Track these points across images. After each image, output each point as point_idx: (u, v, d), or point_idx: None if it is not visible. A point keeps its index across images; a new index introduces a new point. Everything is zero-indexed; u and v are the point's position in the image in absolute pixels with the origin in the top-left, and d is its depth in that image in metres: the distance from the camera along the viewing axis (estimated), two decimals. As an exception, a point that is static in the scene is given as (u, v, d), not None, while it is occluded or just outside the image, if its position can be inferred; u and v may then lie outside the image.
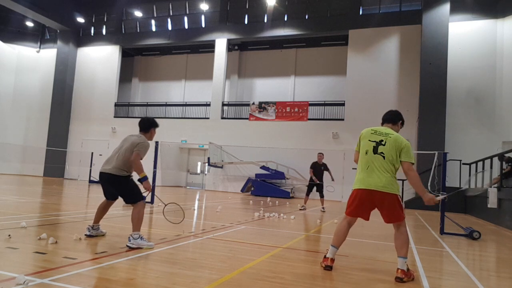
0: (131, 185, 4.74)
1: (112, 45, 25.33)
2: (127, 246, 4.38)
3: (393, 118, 4.11)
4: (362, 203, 3.81)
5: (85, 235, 4.85)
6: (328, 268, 3.87)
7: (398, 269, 3.68)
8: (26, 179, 21.03)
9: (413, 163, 3.82)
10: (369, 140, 3.89)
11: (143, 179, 4.62)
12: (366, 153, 3.86)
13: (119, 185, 4.72)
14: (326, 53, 22.26)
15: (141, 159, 4.73)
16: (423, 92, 16.85)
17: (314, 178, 11.52)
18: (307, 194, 11.86)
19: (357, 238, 6.24)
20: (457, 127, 17.28)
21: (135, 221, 4.53)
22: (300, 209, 11.57)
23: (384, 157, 3.78)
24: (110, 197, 4.94)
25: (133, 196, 4.69)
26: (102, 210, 4.99)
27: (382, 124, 4.15)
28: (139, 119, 5.12)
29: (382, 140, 3.84)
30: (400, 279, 3.63)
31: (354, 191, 3.88)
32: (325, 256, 3.97)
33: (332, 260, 3.89)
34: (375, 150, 3.82)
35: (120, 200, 5.04)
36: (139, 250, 4.27)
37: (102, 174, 4.77)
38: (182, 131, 22.37)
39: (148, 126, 4.95)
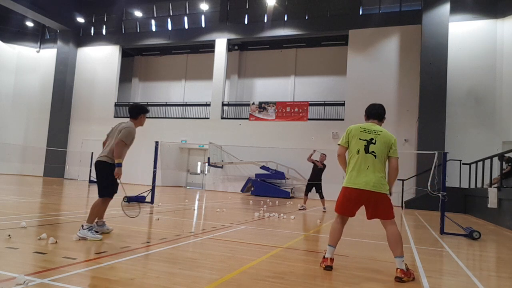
0: (109, 178, 4.75)
1: (112, 45, 25.33)
2: (77, 235, 4.59)
3: (379, 114, 4.07)
4: (351, 202, 3.84)
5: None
6: (329, 268, 3.86)
7: (397, 268, 3.68)
8: (26, 179, 21.02)
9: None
10: (360, 139, 3.87)
11: (118, 165, 4.67)
12: (358, 152, 3.85)
13: (100, 171, 4.77)
14: (326, 53, 22.26)
15: (127, 145, 4.74)
16: (423, 92, 16.86)
17: (313, 159, 11.63)
18: (306, 194, 11.86)
19: (357, 238, 6.24)
20: (457, 127, 17.29)
21: (90, 212, 4.72)
22: (300, 209, 11.57)
23: (375, 156, 3.81)
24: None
25: (104, 189, 4.77)
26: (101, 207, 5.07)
27: (368, 119, 4.11)
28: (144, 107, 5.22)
29: (372, 139, 3.85)
30: (399, 278, 3.63)
31: (345, 189, 3.88)
32: (324, 257, 3.97)
33: (332, 260, 3.89)
34: (366, 149, 3.83)
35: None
36: (139, 250, 4.27)
37: (95, 164, 4.90)
38: (182, 131, 22.37)
39: (137, 112, 4.98)
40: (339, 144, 4.04)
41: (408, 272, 3.67)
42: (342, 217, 3.95)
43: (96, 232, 4.90)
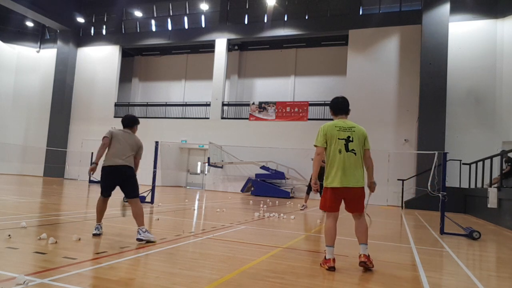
0: (136, 179, 5.10)
1: (112, 45, 25.33)
2: (138, 239, 4.66)
3: (346, 109, 4.19)
4: (338, 199, 4.04)
5: (94, 234, 4.93)
6: (332, 269, 3.85)
7: (362, 254, 3.93)
8: (26, 179, 21.02)
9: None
10: (339, 139, 3.98)
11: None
12: (340, 152, 3.97)
13: (130, 177, 4.99)
14: (326, 53, 22.26)
15: None
16: (423, 92, 16.86)
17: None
18: (307, 193, 11.88)
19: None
20: (457, 127, 17.29)
21: (139, 216, 4.83)
22: (301, 209, 11.57)
23: (355, 153, 3.99)
24: (109, 193, 5.08)
25: (136, 190, 5.01)
26: (103, 208, 5.12)
27: (336, 114, 4.19)
28: (140, 119, 5.51)
29: (349, 137, 3.99)
30: (364, 263, 3.89)
31: (333, 189, 4.00)
32: (325, 258, 3.97)
33: (334, 260, 3.90)
34: (346, 148, 3.97)
35: (119, 200, 5.08)
36: (139, 250, 4.28)
37: (117, 168, 4.91)
38: (182, 131, 22.37)
39: (132, 123, 5.32)
40: (316, 145, 4.08)
41: (370, 259, 3.96)
42: (334, 214, 4.07)
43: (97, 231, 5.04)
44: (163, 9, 24.89)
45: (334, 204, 4.02)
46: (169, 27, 24.51)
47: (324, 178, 4.11)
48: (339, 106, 4.17)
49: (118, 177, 4.96)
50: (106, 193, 5.05)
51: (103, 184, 5.05)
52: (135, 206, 4.89)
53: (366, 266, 3.91)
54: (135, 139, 5.17)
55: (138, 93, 26.49)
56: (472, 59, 17.64)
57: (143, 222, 4.81)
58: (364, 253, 3.94)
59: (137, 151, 5.15)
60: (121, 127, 5.29)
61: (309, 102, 20.67)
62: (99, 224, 5.04)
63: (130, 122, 5.29)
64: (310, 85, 22.31)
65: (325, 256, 3.99)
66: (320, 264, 4.02)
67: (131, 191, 4.98)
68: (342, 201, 4.10)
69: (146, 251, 4.26)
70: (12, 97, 26.70)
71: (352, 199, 4.02)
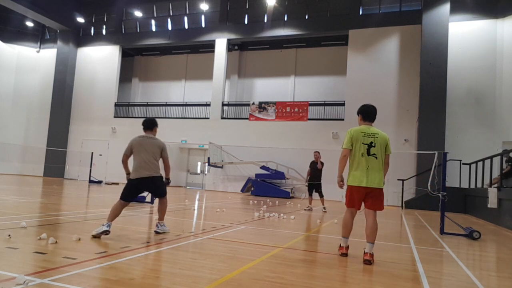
0: (163, 182, 5.54)
1: (112, 45, 25.33)
2: (155, 232, 5.33)
3: (373, 117, 4.63)
4: (358, 197, 4.47)
5: (104, 231, 4.83)
6: (344, 255, 4.52)
7: (367, 253, 4.27)
8: (26, 179, 21.02)
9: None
10: (362, 143, 4.45)
11: (170, 181, 5.66)
12: (362, 155, 4.44)
13: (159, 183, 5.38)
14: (326, 53, 22.26)
15: None
16: (423, 92, 16.86)
17: (306, 178, 11.99)
18: (310, 194, 11.84)
19: (357, 238, 6.23)
20: (457, 127, 17.29)
21: (162, 212, 5.43)
22: (305, 210, 11.55)
23: (376, 157, 4.43)
24: (130, 200, 5.29)
25: (164, 191, 5.50)
26: (118, 212, 5.15)
27: (364, 120, 4.61)
28: (140, 119, 5.73)
29: (372, 142, 4.44)
30: (368, 261, 4.21)
31: (352, 187, 4.49)
32: (340, 245, 4.65)
33: (347, 248, 4.57)
34: (368, 152, 4.43)
35: (117, 200, 5.11)
36: (139, 250, 4.28)
37: (144, 179, 5.19)
38: (182, 131, 22.36)
39: (152, 125, 5.62)
40: (344, 148, 4.55)
41: (373, 257, 4.32)
42: (352, 211, 4.56)
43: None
44: (163, 9, 24.89)
45: (354, 201, 4.50)
46: (169, 27, 24.50)
47: (348, 177, 4.58)
48: (368, 113, 4.61)
49: (145, 187, 5.36)
50: (127, 199, 5.20)
51: (128, 192, 5.20)
52: (161, 202, 5.46)
53: (370, 264, 4.22)
54: (155, 142, 5.38)
55: (138, 93, 26.49)
56: (472, 59, 17.64)
57: (163, 217, 5.44)
58: (369, 252, 4.28)
59: (161, 153, 5.39)
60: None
61: (309, 102, 20.67)
62: (109, 223, 4.90)
63: (151, 124, 5.57)
64: (310, 85, 22.31)
65: (340, 244, 4.67)
66: (338, 251, 4.64)
67: (157, 194, 5.51)
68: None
69: (146, 251, 4.27)
70: (12, 97, 26.70)
71: (370, 198, 4.44)
